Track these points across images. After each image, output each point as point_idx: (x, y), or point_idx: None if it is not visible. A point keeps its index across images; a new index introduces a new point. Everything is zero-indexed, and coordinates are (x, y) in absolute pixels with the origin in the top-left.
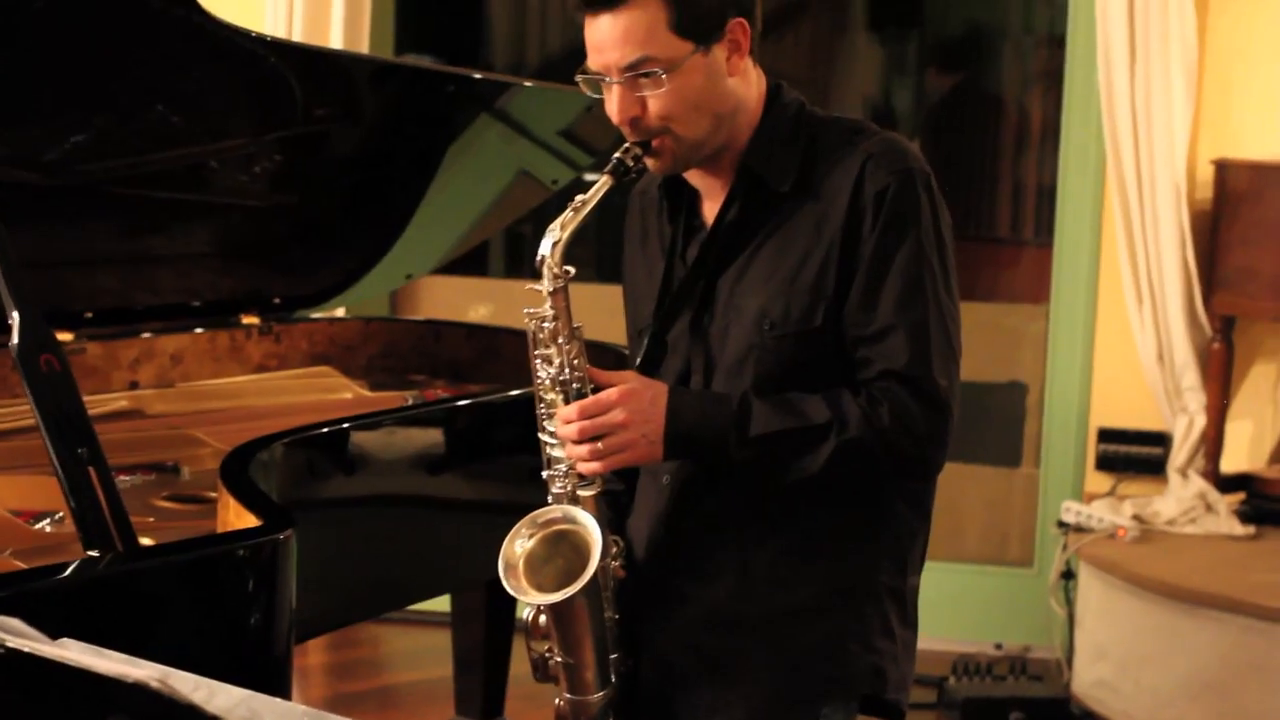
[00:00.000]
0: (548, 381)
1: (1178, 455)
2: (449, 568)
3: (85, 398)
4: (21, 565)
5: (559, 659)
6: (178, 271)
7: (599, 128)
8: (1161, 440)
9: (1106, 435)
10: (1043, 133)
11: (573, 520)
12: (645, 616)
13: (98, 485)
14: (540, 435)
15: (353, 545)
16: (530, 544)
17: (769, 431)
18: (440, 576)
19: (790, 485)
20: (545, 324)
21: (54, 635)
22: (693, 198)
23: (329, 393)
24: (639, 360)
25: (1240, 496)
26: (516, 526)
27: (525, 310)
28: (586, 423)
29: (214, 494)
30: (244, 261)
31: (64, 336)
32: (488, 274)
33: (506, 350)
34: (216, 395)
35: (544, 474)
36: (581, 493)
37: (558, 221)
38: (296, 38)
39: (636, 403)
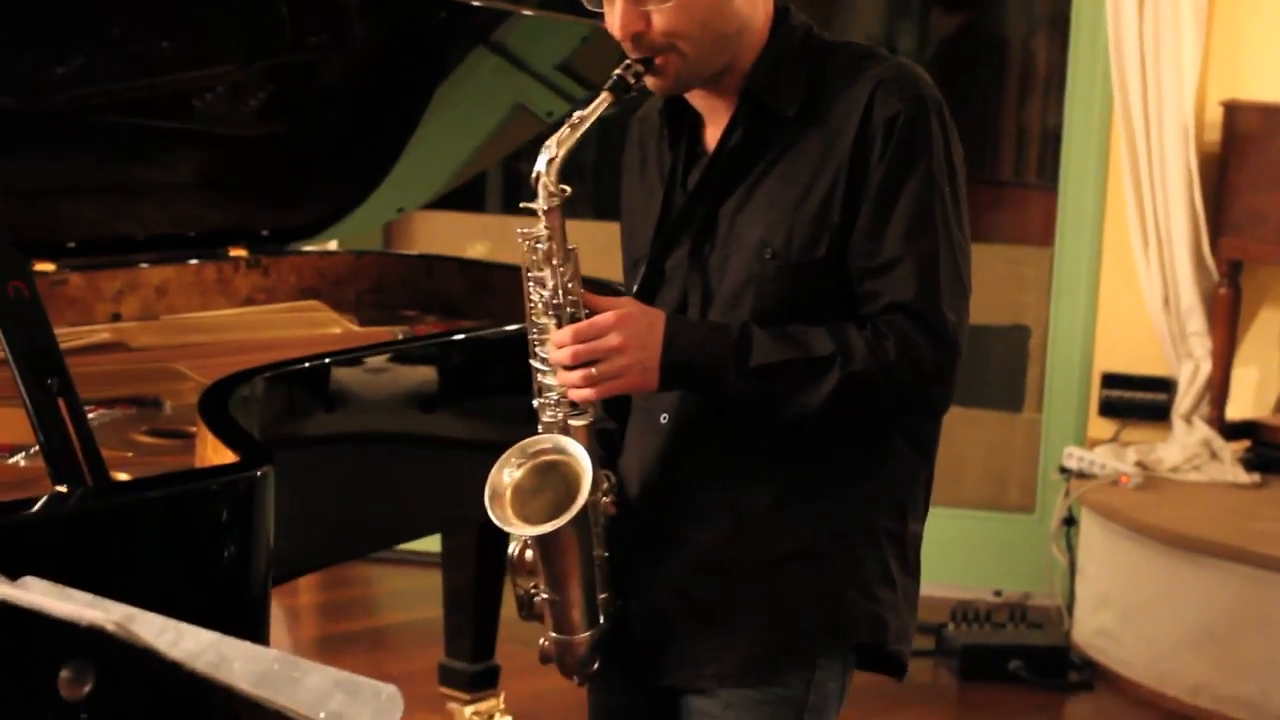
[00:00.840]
0: (540, 305)
1: (1182, 401)
2: (439, 507)
3: (67, 329)
4: None
5: (545, 596)
6: (163, 202)
7: (596, 60)
8: (1166, 386)
9: (1110, 380)
10: (1047, 75)
11: (563, 451)
12: (636, 559)
13: (67, 418)
14: (531, 362)
15: (339, 483)
16: (519, 474)
17: (770, 362)
18: (430, 516)
19: (789, 421)
20: (539, 244)
21: (19, 573)
22: (694, 123)
23: (317, 327)
24: (635, 289)
25: (1245, 444)
26: (505, 455)
27: (518, 230)
28: (580, 347)
29: (194, 429)
30: (231, 193)
31: (46, 266)
32: (485, 209)
33: (500, 286)
34: (202, 328)
35: (534, 403)
36: (573, 422)
37: (554, 138)
38: None
39: (633, 327)
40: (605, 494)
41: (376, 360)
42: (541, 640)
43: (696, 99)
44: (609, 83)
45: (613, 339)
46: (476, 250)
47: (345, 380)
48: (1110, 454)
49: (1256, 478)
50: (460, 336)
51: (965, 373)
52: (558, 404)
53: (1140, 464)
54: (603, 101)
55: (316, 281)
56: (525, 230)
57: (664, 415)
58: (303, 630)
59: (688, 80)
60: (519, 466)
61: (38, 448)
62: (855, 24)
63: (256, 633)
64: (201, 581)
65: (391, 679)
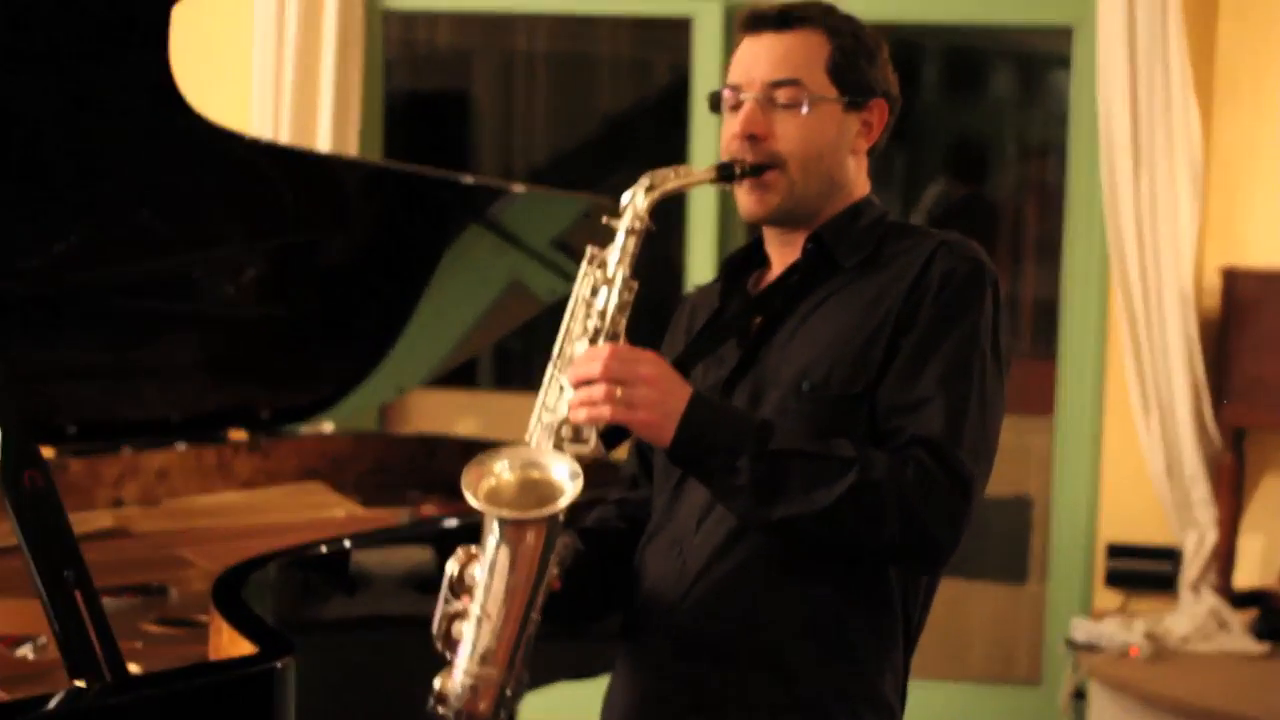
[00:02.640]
0: (578, 331)
1: (1189, 571)
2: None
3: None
4: (3, 695)
5: (476, 614)
6: (163, 385)
7: (593, 238)
8: (1172, 555)
9: (1115, 551)
10: (1039, 244)
11: (549, 469)
12: (651, 695)
13: (84, 610)
14: (545, 383)
15: (350, 670)
16: (506, 476)
17: (790, 449)
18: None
19: (787, 520)
20: (603, 268)
21: None
22: (752, 286)
23: (320, 510)
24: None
25: (1254, 613)
26: (507, 450)
27: (589, 247)
28: (615, 363)
29: (204, 617)
30: (232, 374)
31: (46, 452)
32: (476, 386)
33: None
34: (204, 513)
35: (533, 419)
36: (570, 449)
37: (653, 174)
38: (284, 139)
39: (668, 372)
40: (559, 563)
41: (385, 543)
42: (438, 680)
43: (772, 236)
44: (717, 163)
45: (647, 369)
46: (468, 426)
47: (356, 565)
48: (1118, 625)
49: (1267, 647)
50: (466, 521)
51: (968, 543)
52: (558, 431)
53: (1149, 635)
54: (705, 174)
55: (317, 463)
56: (595, 249)
57: (676, 548)
58: None
59: (783, 208)
60: (509, 469)
61: (45, 639)
62: None
63: None
64: None
65: None
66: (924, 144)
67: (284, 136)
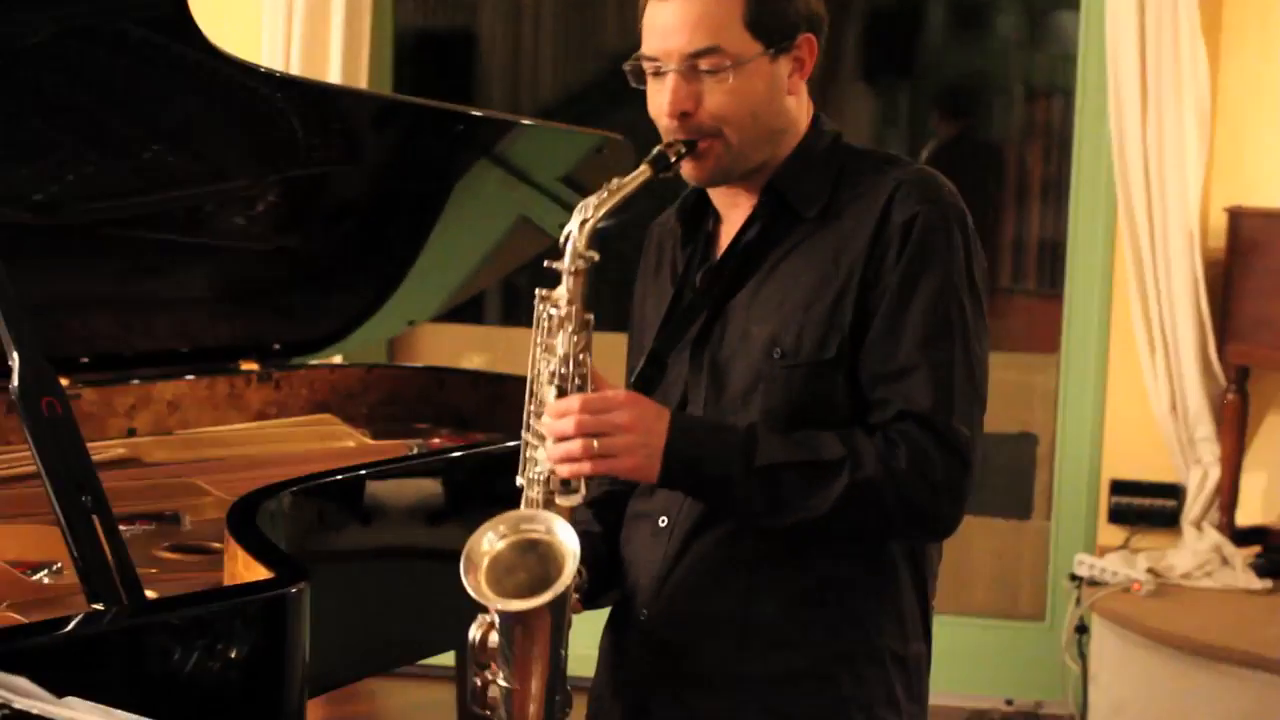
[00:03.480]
0: (546, 374)
1: (1192, 508)
2: (457, 621)
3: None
4: (20, 619)
5: (503, 685)
6: (176, 316)
7: (601, 173)
8: (1175, 492)
9: (1119, 487)
10: (1044, 184)
11: (549, 530)
12: (638, 668)
13: (102, 534)
14: (524, 434)
15: (360, 599)
16: (500, 545)
17: (776, 462)
18: (449, 630)
19: (793, 526)
20: (556, 308)
21: (58, 694)
22: (711, 225)
23: (330, 441)
24: (632, 380)
25: (1256, 549)
26: (490, 522)
27: (538, 290)
28: (586, 417)
29: (218, 544)
30: (243, 306)
31: (61, 381)
32: (483, 321)
33: (513, 398)
34: (216, 443)
35: (518, 479)
36: (560, 501)
37: (589, 200)
38: (294, 71)
39: (642, 410)
40: (576, 589)
41: (396, 474)
42: None
43: (718, 194)
44: (649, 156)
45: (620, 416)
46: (475, 361)
47: (367, 494)
48: (1121, 561)
49: (1268, 583)
50: (474, 451)
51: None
52: (545, 481)
53: (1151, 570)
54: (640, 175)
55: (328, 395)
56: (545, 292)
57: (663, 519)
58: None
59: (726, 172)
60: (501, 538)
61: (60, 565)
62: (845, 131)
63: None
64: (238, 699)
65: None
66: (930, 84)
67: (294, 66)
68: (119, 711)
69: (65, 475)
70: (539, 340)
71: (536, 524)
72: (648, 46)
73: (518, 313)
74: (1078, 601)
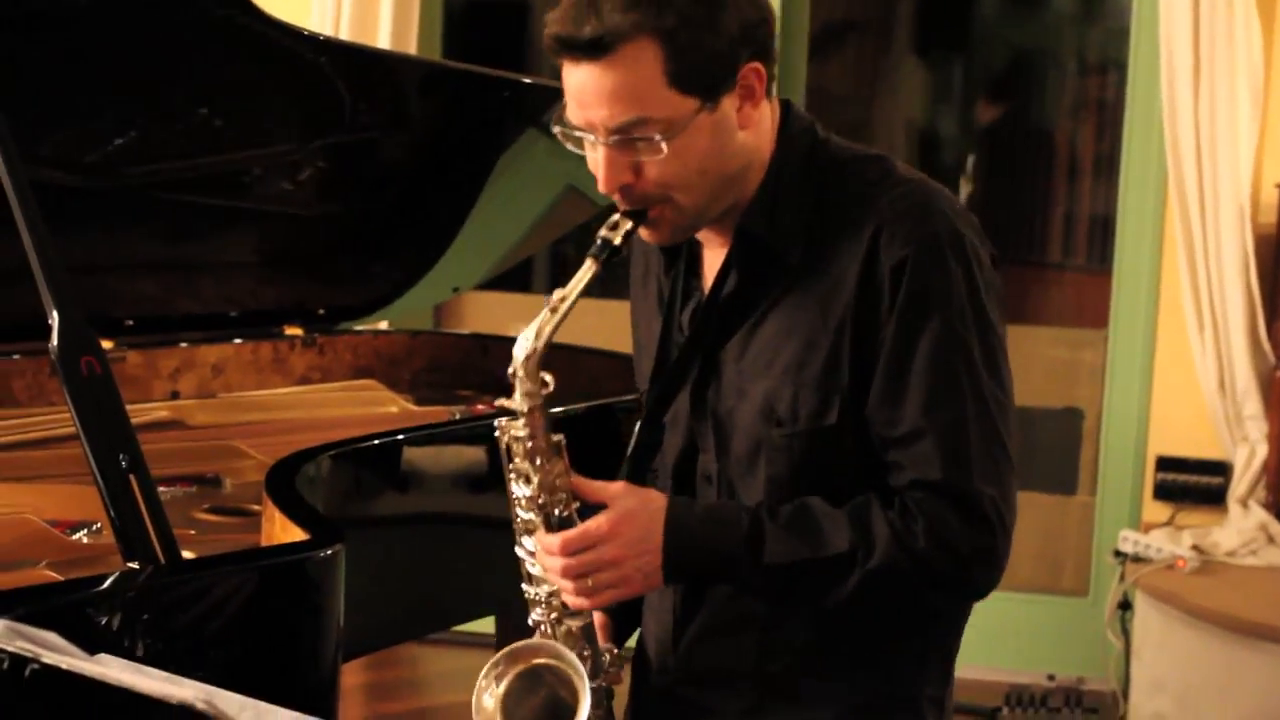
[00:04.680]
0: (524, 500)
1: (1238, 485)
2: (497, 588)
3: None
4: (57, 577)
5: None
6: (220, 279)
7: None
8: (1222, 469)
9: (1165, 464)
10: (1095, 158)
11: (556, 656)
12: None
13: (139, 494)
14: (516, 550)
15: (399, 563)
16: (502, 689)
17: (783, 562)
18: (487, 597)
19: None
20: (519, 440)
21: (91, 651)
22: (692, 250)
23: (373, 406)
24: (631, 448)
25: None
26: (486, 669)
27: (495, 423)
28: (571, 561)
29: (257, 507)
30: (288, 271)
31: (105, 344)
32: (531, 290)
33: (559, 366)
34: (258, 407)
35: (524, 589)
36: (570, 623)
37: (533, 327)
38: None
39: (630, 531)
40: (609, 667)
41: (438, 440)
42: None
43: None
44: (593, 248)
45: (607, 551)
46: (521, 330)
47: (408, 460)
48: (1166, 538)
49: None
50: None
51: (1018, 455)
52: (549, 601)
53: (1196, 548)
54: (586, 274)
55: (372, 361)
56: (503, 424)
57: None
58: (348, 711)
59: (687, 230)
60: (499, 680)
61: (99, 525)
62: (896, 108)
63: (326, 713)
64: (272, 661)
65: None
66: (983, 59)
67: (344, 34)
68: (150, 669)
69: (103, 435)
70: (510, 466)
71: (536, 652)
72: (571, 114)
73: (565, 281)
74: (1121, 578)
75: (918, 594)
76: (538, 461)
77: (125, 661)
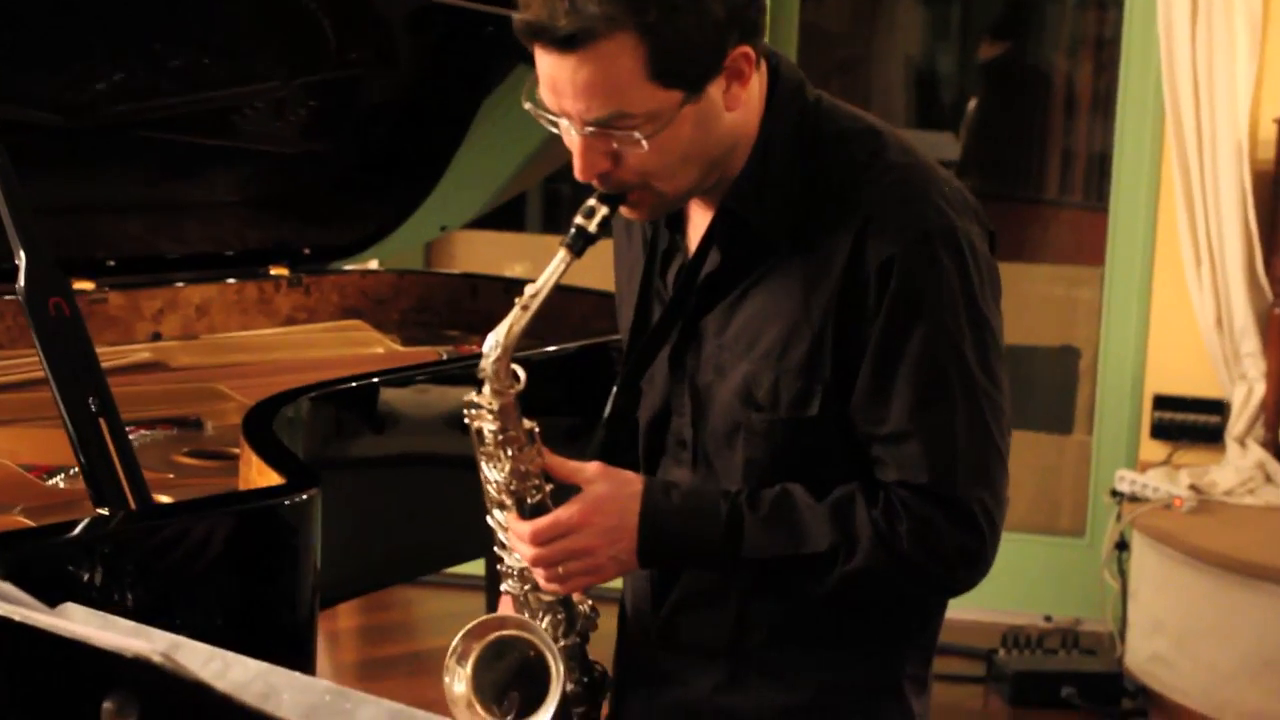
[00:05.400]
0: (495, 483)
1: (1236, 424)
2: (484, 529)
3: (106, 349)
4: (29, 523)
5: None
6: (205, 220)
7: None
8: (1219, 408)
9: (1162, 402)
10: (1093, 95)
11: (518, 628)
12: (627, 696)
13: (109, 438)
14: (489, 519)
15: (385, 506)
16: (469, 667)
17: (762, 557)
18: (477, 539)
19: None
20: (490, 431)
21: (59, 599)
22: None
23: (360, 347)
24: (608, 412)
25: None
26: (450, 650)
27: (465, 408)
28: (543, 550)
29: (237, 450)
30: (273, 211)
31: (86, 285)
32: (524, 229)
33: (545, 306)
34: (242, 348)
35: (497, 561)
36: (544, 598)
37: (504, 323)
38: None
39: (603, 519)
40: (586, 616)
41: (422, 381)
42: None
43: None
44: (568, 237)
45: (579, 539)
46: (515, 270)
47: (391, 401)
48: (1163, 477)
49: None
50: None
51: (1013, 394)
52: (522, 574)
53: (1193, 487)
54: (560, 265)
55: (359, 301)
56: (473, 412)
57: None
58: (342, 654)
59: (668, 209)
60: (463, 660)
61: (77, 469)
62: (896, 47)
63: (303, 660)
64: (246, 607)
65: (432, 705)
66: None
67: None
68: (119, 619)
69: (71, 378)
70: (480, 449)
71: (502, 626)
72: (546, 100)
73: (559, 219)
74: (1118, 518)
75: (898, 591)
76: (509, 451)
77: (90, 612)
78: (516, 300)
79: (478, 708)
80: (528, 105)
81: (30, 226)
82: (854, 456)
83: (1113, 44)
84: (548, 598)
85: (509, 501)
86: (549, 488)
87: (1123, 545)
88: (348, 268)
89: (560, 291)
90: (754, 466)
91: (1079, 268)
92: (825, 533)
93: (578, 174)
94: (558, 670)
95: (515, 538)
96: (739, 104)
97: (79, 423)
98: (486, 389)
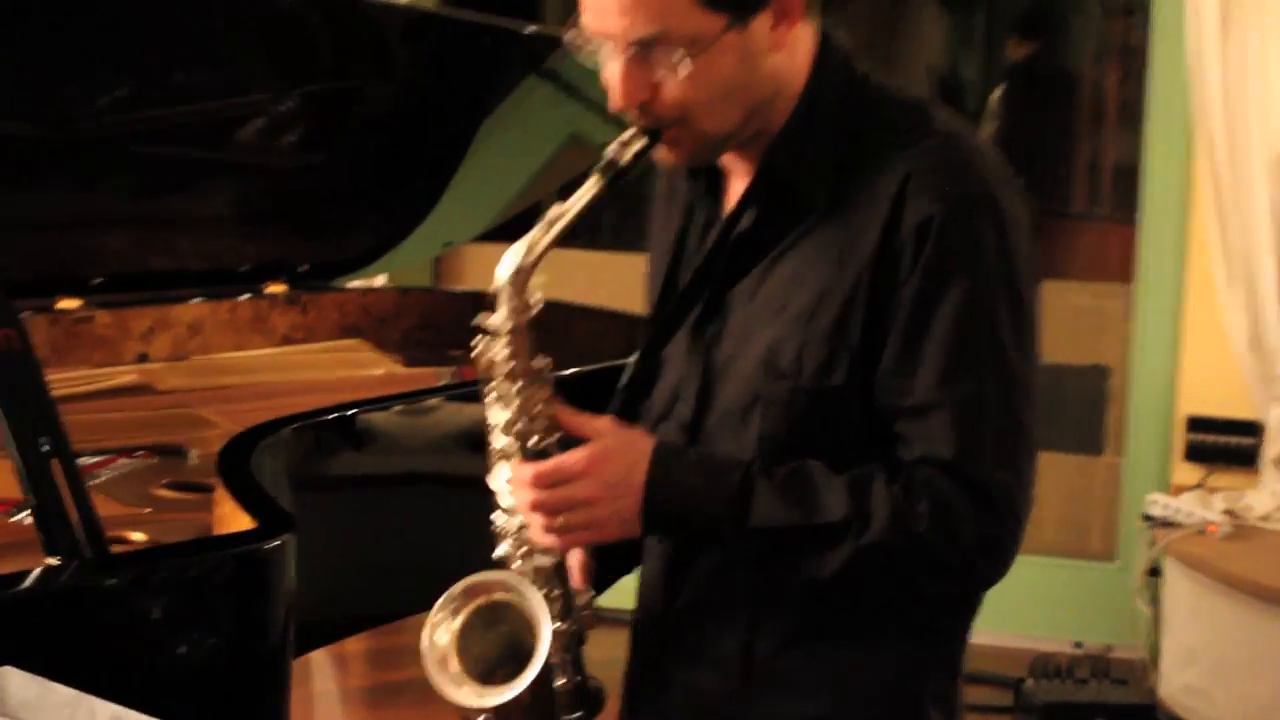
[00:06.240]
0: (501, 425)
1: (1271, 446)
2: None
3: (90, 370)
4: None
5: None
6: (197, 235)
7: None
8: (1254, 430)
9: (1196, 424)
10: (1120, 106)
11: (517, 590)
12: (639, 705)
13: (63, 482)
14: (488, 479)
15: (385, 534)
16: (458, 624)
17: (771, 526)
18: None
19: (799, 583)
20: (499, 362)
21: (5, 654)
22: (717, 173)
23: (359, 368)
24: (626, 379)
25: None
26: (438, 605)
27: (474, 340)
28: (544, 494)
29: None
30: (269, 226)
31: (72, 303)
32: None
33: (556, 325)
34: (234, 370)
35: (493, 521)
36: (540, 560)
37: (525, 240)
38: None
39: (608, 473)
40: (582, 611)
41: (417, 406)
42: None
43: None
44: (601, 163)
45: (582, 488)
46: (531, 284)
47: (382, 427)
48: (1196, 501)
49: None
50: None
51: (1042, 413)
52: (519, 535)
53: (1229, 512)
54: (590, 190)
55: (360, 319)
56: (483, 342)
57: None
58: (350, 679)
59: (706, 156)
60: (455, 614)
61: None
62: (919, 55)
63: (274, 711)
64: (210, 661)
65: None
66: (1005, 2)
67: None
68: (58, 687)
69: (21, 417)
70: (487, 388)
71: (494, 588)
72: (585, 20)
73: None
74: (1151, 543)
75: (914, 578)
76: (519, 384)
77: (27, 678)
78: (541, 217)
79: (455, 663)
80: (568, 35)
81: None
82: (875, 436)
83: (1140, 52)
84: (543, 561)
85: (513, 447)
86: (557, 436)
87: (1155, 571)
88: (349, 285)
89: (565, 310)
90: (769, 443)
91: (1107, 284)
92: (840, 504)
93: (616, 101)
94: (546, 626)
95: (515, 483)
96: (784, 46)
97: (29, 465)
98: (501, 311)
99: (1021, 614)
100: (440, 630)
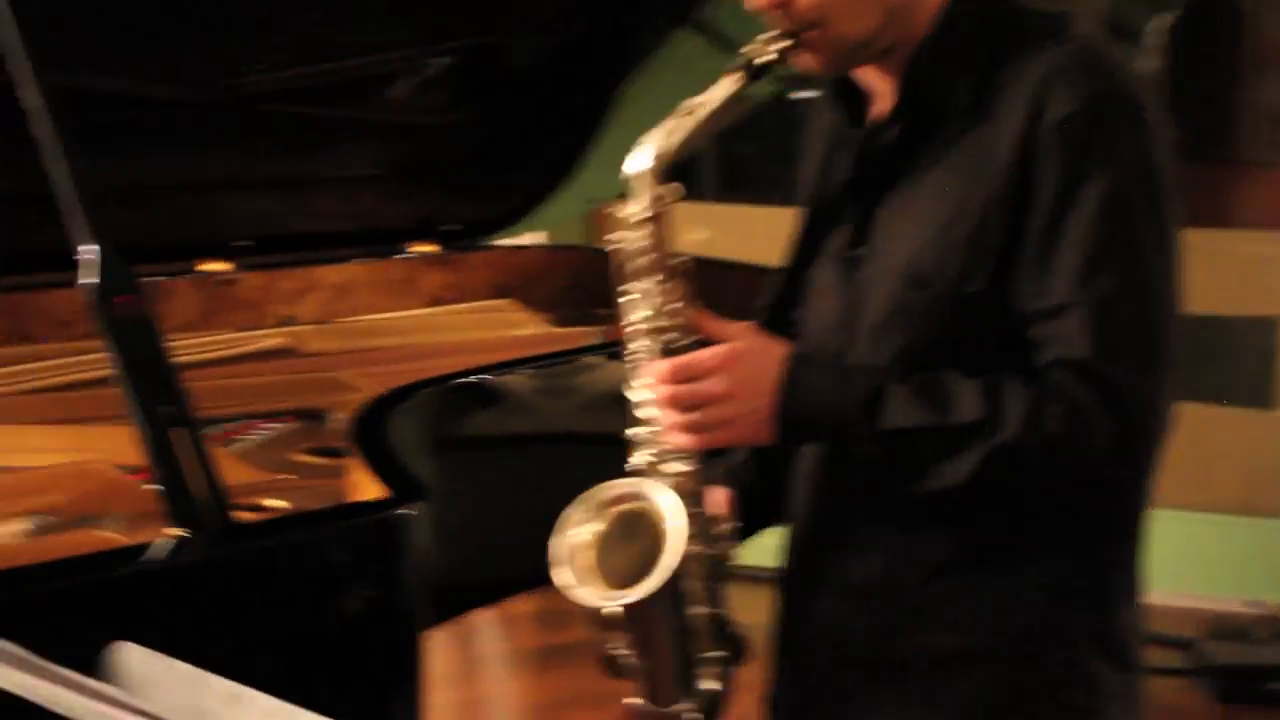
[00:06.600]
0: (639, 326)
1: None
2: None
3: (234, 334)
4: (119, 539)
5: (633, 658)
6: (344, 196)
7: None
8: None
9: None
10: None
11: (644, 498)
12: (790, 640)
13: (186, 451)
14: (626, 391)
15: (534, 495)
16: (588, 533)
17: (902, 427)
18: None
19: (930, 492)
20: (638, 254)
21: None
22: (858, 97)
23: (509, 328)
24: (771, 300)
25: None
26: (569, 510)
27: (608, 238)
28: (680, 388)
29: None
30: (417, 184)
31: (221, 265)
32: (700, 197)
33: (710, 284)
34: (381, 331)
35: (628, 433)
36: (676, 466)
37: (662, 127)
38: None
39: (744, 370)
40: (725, 535)
41: (557, 369)
42: (626, 701)
43: (860, 74)
44: (738, 60)
45: (716, 384)
46: (693, 239)
47: (514, 394)
48: None
49: None
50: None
51: (1206, 366)
52: (655, 443)
53: None
54: (728, 85)
55: (510, 278)
56: (617, 237)
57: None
58: (519, 640)
59: (843, 62)
60: (586, 521)
61: None
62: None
63: (404, 686)
64: (337, 635)
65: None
66: None
67: None
68: (177, 664)
69: (142, 383)
70: (624, 287)
71: (627, 495)
72: None
73: (737, 184)
74: None
75: (1049, 482)
76: (658, 278)
77: (147, 653)
78: (679, 108)
79: (586, 564)
80: None
81: (93, 218)
82: (1014, 345)
83: None
84: (680, 466)
85: (651, 347)
86: (694, 338)
87: None
88: (499, 243)
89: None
90: (907, 356)
91: (1275, 231)
92: (973, 405)
93: (755, 0)
94: (677, 524)
95: (650, 377)
96: None
97: (149, 434)
98: (638, 199)
99: (1194, 573)
100: (574, 534)
